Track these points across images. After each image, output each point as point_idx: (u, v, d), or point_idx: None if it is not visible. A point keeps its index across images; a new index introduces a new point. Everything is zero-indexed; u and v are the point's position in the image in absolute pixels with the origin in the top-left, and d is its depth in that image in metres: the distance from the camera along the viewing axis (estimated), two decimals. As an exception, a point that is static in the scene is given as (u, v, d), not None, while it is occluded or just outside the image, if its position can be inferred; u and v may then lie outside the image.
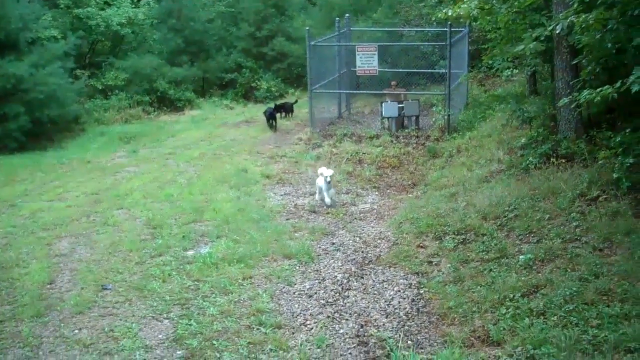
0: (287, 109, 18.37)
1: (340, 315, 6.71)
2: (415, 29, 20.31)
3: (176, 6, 24.61)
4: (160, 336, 6.38)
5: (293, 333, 6.37)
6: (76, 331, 6.52)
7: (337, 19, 17.52)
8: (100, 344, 6.24)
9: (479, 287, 6.87)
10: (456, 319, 6.38)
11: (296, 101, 19.25)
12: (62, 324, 6.67)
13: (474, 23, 13.97)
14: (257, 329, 6.43)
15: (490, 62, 12.95)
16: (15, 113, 17.16)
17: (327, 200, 10.21)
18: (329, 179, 10.10)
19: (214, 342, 6.18)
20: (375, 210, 10.38)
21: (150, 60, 22.98)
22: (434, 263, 7.85)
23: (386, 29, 20.44)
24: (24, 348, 6.24)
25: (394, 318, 6.59)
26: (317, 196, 10.55)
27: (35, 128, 17.83)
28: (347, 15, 18.34)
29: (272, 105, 18.53)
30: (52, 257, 8.59)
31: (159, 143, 16.73)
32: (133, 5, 24.03)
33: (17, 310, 7.00)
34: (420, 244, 8.46)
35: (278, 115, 17.72)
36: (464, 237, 8.31)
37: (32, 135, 17.78)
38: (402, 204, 10.57)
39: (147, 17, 24.13)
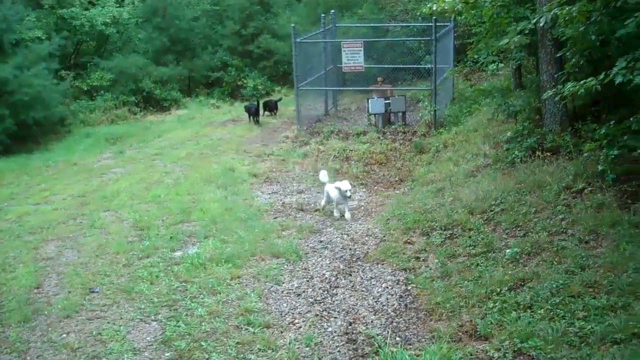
0: (271, 106, 18.35)
1: (328, 313, 6.70)
2: (401, 24, 20.33)
3: (161, 4, 24.49)
4: (148, 338, 6.35)
5: (281, 332, 6.35)
6: (64, 335, 6.47)
7: (323, 15, 17.51)
8: (88, 347, 6.20)
9: (466, 281, 6.88)
10: (444, 314, 6.38)
11: (280, 99, 19.26)
12: (50, 329, 6.63)
13: (459, 17, 14.01)
14: (246, 328, 6.41)
15: (475, 56, 12.98)
16: (0, 116, 17.03)
17: (347, 215, 9.80)
18: (349, 194, 9.70)
19: (203, 343, 6.15)
20: (362, 207, 10.39)
21: (135, 60, 22.90)
22: (421, 259, 7.85)
23: (372, 24, 20.45)
24: (12, 354, 6.19)
25: (382, 315, 6.59)
26: (328, 207, 10.09)
27: (20, 130, 17.74)
28: (332, 11, 18.33)
29: (254, 102, 18.53)
30: (39, 260, 8.53)
31: (146, 143, 16.66)
32: (117, 5, 23.90)
33: (4, 316, 6.94)
34: (408, 240, 8.47)
35: (263, 113, 17.74)
36: (451, 232, 8.32)
37: (17, 138, 17.69)
38: (389, 200, 10.58)
39: (132, 16, 24.04)
